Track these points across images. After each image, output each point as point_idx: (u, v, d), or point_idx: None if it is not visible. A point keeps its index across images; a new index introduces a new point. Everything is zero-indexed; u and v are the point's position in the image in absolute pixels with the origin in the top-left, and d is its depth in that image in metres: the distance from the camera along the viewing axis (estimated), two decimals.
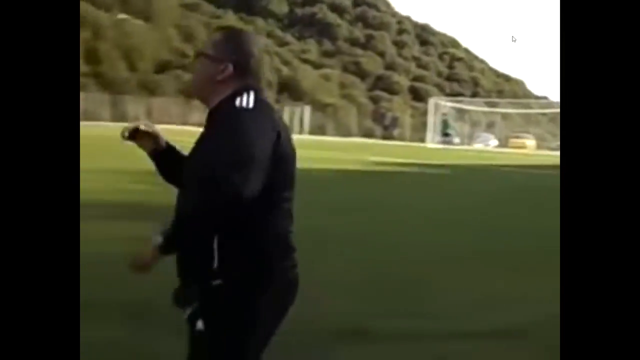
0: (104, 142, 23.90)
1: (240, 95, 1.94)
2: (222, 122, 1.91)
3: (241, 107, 1.91)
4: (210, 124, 1.99)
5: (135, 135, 2.11)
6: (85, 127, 28.59)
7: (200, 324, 1.83)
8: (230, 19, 79.26)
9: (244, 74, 2.00)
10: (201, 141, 1.99)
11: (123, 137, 2.12)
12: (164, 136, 2.16)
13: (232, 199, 1.72)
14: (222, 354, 1.87)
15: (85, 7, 61.29)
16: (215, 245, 1.82)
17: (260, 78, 2.09)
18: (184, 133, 41.98)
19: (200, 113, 58.29)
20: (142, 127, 2.09)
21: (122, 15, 67.07)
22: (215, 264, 1.83)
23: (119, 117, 52.57)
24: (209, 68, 2.01)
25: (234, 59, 1.99)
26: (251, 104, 1.93)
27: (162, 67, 63.83)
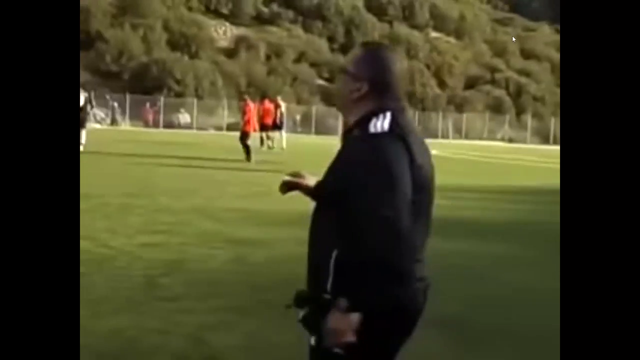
0: None
1: (377, 116, 1.86)
2: (360, 146, 1.86)
3: (375, 133, 1.82)
4: (346, 145, 1.95)
5: (291, 187, 2.15)
6: None
7: (312, 341, 1.84)
8: (545, 32, 75.45)
9: (381, 93, 1.91)
10: (337, 161, 1.93)
11: (283, 192, 2.18)
12: (312, 176, 2.14)
13: (397, 240, 1.68)
14: None
15: (398, 27, 65.03)
16: (332, 266, 1.80)
17: (400, 98, 1.96)
18: (491, 148, 40.96)
19: (510, 128, 57.42)
20: (287, 179, 2.13)
21: (434, 34, 69.10)
22: (329, 285, 1.80)
23: (428, 132, 54.31)
24: (347, 85, 1.94)
25: (370, 78, 1.90)
26: (386, 127, 1.83)
27: (472, 83, 63.88)
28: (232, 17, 58.44)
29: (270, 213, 8.98)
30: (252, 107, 20.29)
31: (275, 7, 62.38)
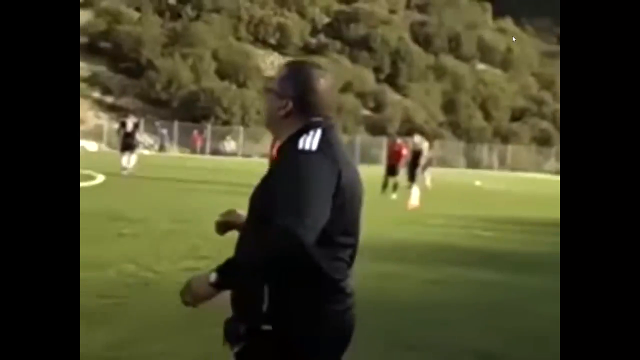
0: (458, 189, 24.83)
1: (307, 133, 1.86)
2: (285, 164, 1.85)
3: (303, 150, 1.81)
4: (277, 162, 1.95)
5: (226, 228, 2.18)
6: (441, 174, 30.47)
7: None
8: None
9: (306, 110, 1.91)
10: (267, 178, 1.94)
11: (219, 234, 2.21)
12: (243, 212, 2.08)
13: (295, 250, 1.67)
14: None
15: (445, 58, 64.77)
16: (266, 289, 1.77)
17: (327, 114, 1.95)
18: (536, 181, 39.96)
19: (557, 161, 56.29)
20: (220, 219, 2.19)
21: (481, 66, 68.65)
22: (265, 308, 1.77)
23: (473, 164, 53.70)
24: (274, 103, 1.96)
25: (294, 95, 1.91)
26: (314, 146, 1.82)
27: (518, 115, 63.07)
28: (280, 48, 59.39)
29: None
30: None
31: (322, 37, 63.09)
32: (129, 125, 19.86)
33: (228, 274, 1.75)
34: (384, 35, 61.91)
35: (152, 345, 4.24)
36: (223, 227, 2.19)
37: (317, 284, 1.80)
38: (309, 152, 1.80)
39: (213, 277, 1.74)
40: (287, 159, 1.86)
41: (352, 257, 1.92)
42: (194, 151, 45.78)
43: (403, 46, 62.67)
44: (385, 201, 16.13)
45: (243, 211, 2.08)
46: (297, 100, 1.90)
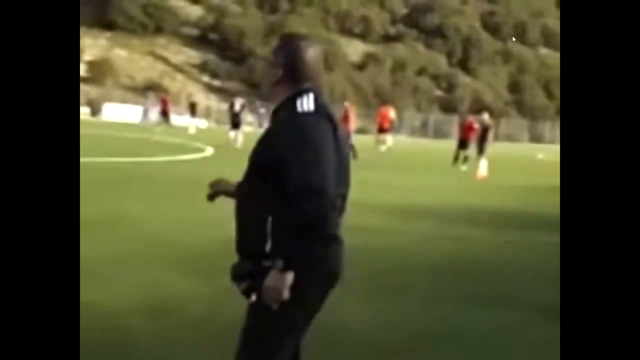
0: (522, 161, 23.80)
1: (300, 97, 1.85)
2: (288, 125, 1.84)
3: (303, 112, 1.82)
4: (277, 121, 1.93)
5: (216, 194, 2.14)
6: (507, 148, 29.39)
7: (253, 297, 1.81)
8: None
9: (296, 78, 1.89)
10: (266, 137, 1.91)
11: (210, 200, 2.17)
12: (231, 181, 2.11)
13: (329, 206, 1.73)
14: (270, 324, 1.82)
15: (511, 44, 62.52)
16: (269, 231, 1.81)
17: (316, 81, 1.93)
18: None
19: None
20: (210, 190, 2.14)
21: (544, 50, 65.72)
22: (268, 248, 1.79)
23: (536, 139, 51.96)
24: (268, 72, 1.97)
25: (284, 64, 1.90)
26: (312, 107, 1.83)
27: None
28: (363, 37, 58.95)
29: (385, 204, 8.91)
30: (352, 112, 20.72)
31: (400, 26, 62.17)
32: (237, 106, 20.23)
33: (290, 253, 1.74)
34: (456, 23, 60.57)
35: None
36: (212, 195, 2.16)
37: (322, 227, 1.77)
38: (308, 113, 1.81)
39: (280, 264, 1.72)
40: (288, 119, 1.85)
41: (342, 206, 1.90)
42: None
43: (474, 34, 61.13)
44: (456, 172, 15.79)
45: (230, 180, 2.14)
46: (287, 69, 1.90)
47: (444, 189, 11.80)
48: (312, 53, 1.92)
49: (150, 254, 4.99)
